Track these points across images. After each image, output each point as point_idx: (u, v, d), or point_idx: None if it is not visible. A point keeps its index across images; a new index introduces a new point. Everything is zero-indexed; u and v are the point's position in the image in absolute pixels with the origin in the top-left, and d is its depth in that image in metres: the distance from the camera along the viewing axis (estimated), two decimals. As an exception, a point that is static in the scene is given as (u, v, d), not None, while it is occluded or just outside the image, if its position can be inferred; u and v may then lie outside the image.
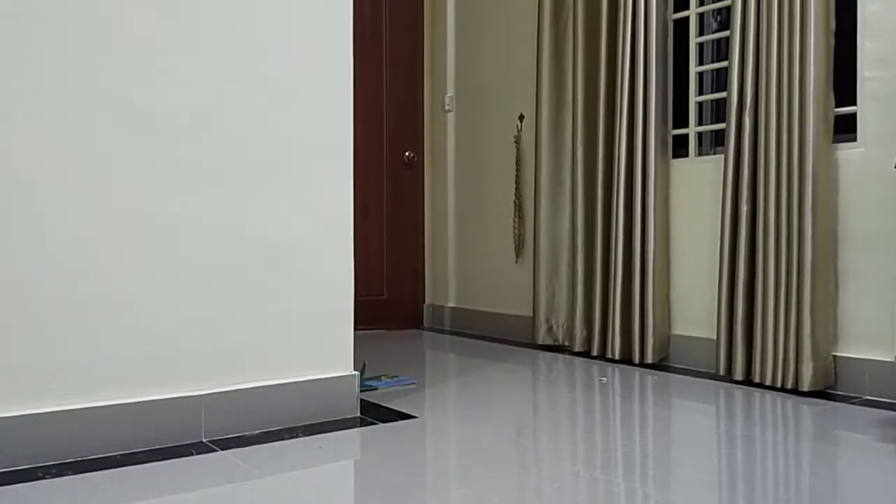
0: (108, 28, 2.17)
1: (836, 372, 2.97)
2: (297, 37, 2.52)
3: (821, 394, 2.93)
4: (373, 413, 2.65)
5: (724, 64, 3.34)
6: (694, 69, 3.56)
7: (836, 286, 2.99)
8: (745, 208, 3.13)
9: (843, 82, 2.98)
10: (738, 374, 3.13)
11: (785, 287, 2.99)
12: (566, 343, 4.00)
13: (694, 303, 3.50)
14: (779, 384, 2.99)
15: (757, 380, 3.06)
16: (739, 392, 3.03)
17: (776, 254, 3.02)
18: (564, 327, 4.02)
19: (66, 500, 1.85)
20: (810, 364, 2.90)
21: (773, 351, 3.01)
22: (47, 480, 1.94)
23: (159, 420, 2.22)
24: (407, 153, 4.97)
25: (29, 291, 2.06)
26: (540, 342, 4.06)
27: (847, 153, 2.97)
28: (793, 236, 2.96)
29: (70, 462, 2.06)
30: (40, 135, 2.08)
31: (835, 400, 2.86)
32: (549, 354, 3.95)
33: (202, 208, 2.33)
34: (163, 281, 2.26)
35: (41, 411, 2.06)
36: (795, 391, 2.93)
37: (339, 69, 2.61)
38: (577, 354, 3.87)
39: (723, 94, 3.37)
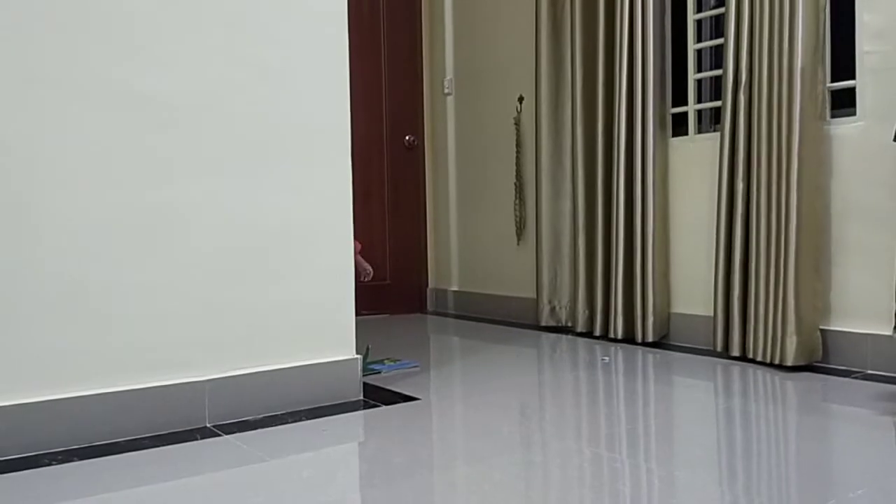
0: (105, 15, 2.17)
1: (827, 346, 2.98)
2: (293, 21, 2.52)
3: (814, 368, 2.94)
4: (376, 396, 2.66)
5: (721, 41, 3.32)
6: (692, 46, 3.55)
7: (830, 260, 2.99)
8: (740, 186, 3.13)
9: (842, 56, 2.97)
10: (735, 350, 3.14)
11: (774, 262, 2.99)
12: (569, 324, 4.01)
13: (694, 281, 3.50)
14: (768, 359, 3.00)
15: (750, 355, 3.08)
16: (736, 368, 3.04)
17: (766, 230, 3.03)
18: (567, 308, 4.03)
19: (73, 485, 1.87)
20: (794, 338, 2.91)
21: (763, 326, 3.02)
22: (54, 467, 1.96)
23: (163, 406, 2.24)
24: (407, 137, 4.97)
25: (31, 279, 2.07)
26: (543, 324, 4.07)
27: (847, 127, 2.96)
28: (781, 212, 2.96)
29: (76, 448, 2.08)
30: (39, 123, 2.08)
31: (831, 374, 2.87)
32: (553, 335, 3.96)
33: (201, 195, 2.34)
34: (164, 267, 2.27)
35: (46, 399, 2.07)
36: (781, 365, 2.94)
37: (334, 53, 2.60)
38: (580, 335, 3.88)
39: (720, 72, 3.35)
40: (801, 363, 2.92)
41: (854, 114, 2.94)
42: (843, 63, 2.97)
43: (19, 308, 2.06)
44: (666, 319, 3.58)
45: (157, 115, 2.26)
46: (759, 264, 3.05)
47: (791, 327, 2.92)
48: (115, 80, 2.20)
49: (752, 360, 3.08)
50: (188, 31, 2.32)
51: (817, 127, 2.95)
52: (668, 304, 3.60)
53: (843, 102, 3.00)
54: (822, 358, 2.99)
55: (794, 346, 2.91)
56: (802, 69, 2.90)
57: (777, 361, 2.96)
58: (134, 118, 2.22)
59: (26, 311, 2.07)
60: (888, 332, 2.83)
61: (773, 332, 2.98)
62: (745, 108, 3.12)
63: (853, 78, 2.94)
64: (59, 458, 2.02)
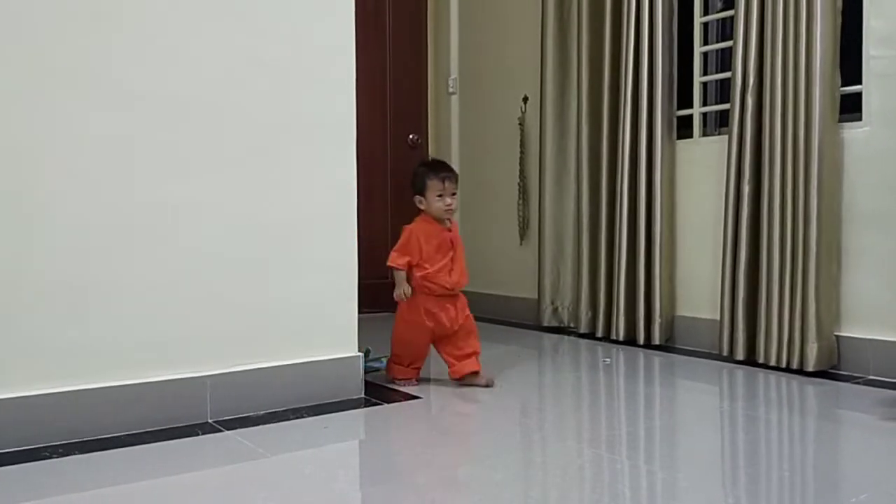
0: (108, 10, 2.17)
1: (839, 352, 2.97)
2: (299, 18, 2.51)
3: (824, 373, 2.93)
4: (377, 394, 2.66)
5: (729, 44, 3.32)
6: (699, 49, 3.54)
7: (840, 266, 2.98)
8: (746, 188, 3.12)
9: (849, 61, 2.96)
10: (740, 354, 3.13)
11: (790, 267, 2.98)
12: (571, 325, 4.00)
13: (698, 284, 3.49)
14: (783, 364, 2.98)
15: (761, 360, 3.06)
16: (742, 372, 3.03)
17: (781, 234, 3.01)
18: (569, 309, 4.02)
19: (73, 479, 1.86)
20: (815, 344, 2.90)
21: (777, 331, 3.01)
22: (54, 460, 1.96)
23: (165, 401, 2.24)
24: (411, 136, 4.96)
25: (34, 275, 2.07)
26: (545, 324, 4.07)
27: (853, 132, 2.95)
28: (798, 216, 2.95)
29: (77, 442, 2.08)
30: (42, 121, 2.08)
31: (839, 380, 2.86)
32: (555, 336, 3.96)
33: (205, 191, 2.33)
34: (167, 263, 2.27)
35: (48, 392, 2.07)
36: (800, 371, 2.92)
37: (340, 51, 2.60)
38: (583, 336, 3.87)
39: (727, 74, 3.34)
40: (820, 369, 2.91)
41: (860, 119, 2.94)
42: (850, 68, 2.97)
43: (21, 303, 2.05)
44: (670, 322, 3.57)
45: (160, 111, 2.26)
46: (771, 268, 3.02)
47: (811, 333, 2.90)
48: (118, 77, 2.19)
49: (763, 365, 3.05)
50: (192, 27, 2.31)
51: (834, 131, 2.95)
52: (673, 307, 3.59)
53: (849, 107, 3.00)
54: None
55: (815, 352, 2.90)
56: (822, 73, 2.89)
57: (795, 366, 2.94)
58: (136, 115, 2.22)
59: (28, 306, 2.06)
60: (893, 337, 2.82)
61: (790, 337, 2.97)
62: (753, 111, 3.11)
63: (859, 83, 2.94)
64: (60, 451, 2.02)
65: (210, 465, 2.00)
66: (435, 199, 2.71)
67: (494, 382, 2.77)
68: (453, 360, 2.77)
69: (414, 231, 2.73)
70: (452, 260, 2.76)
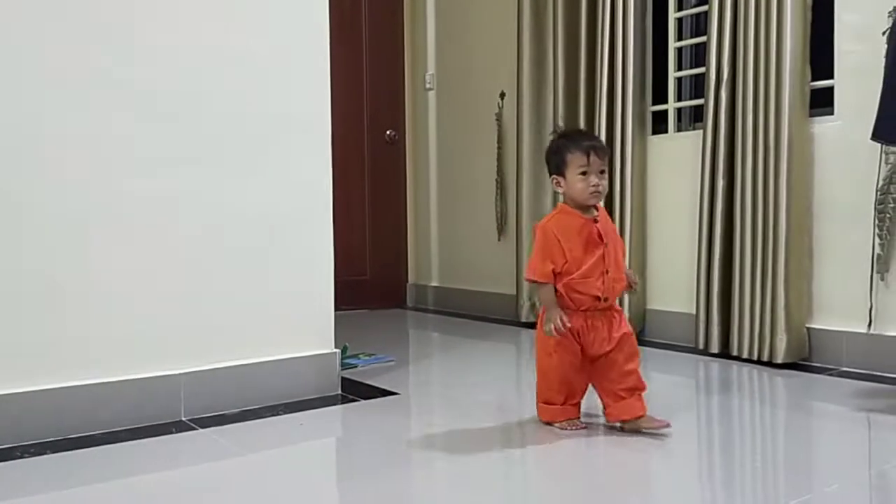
0: (86, 4, 2.15)
1: (810, 344, 3.00)
2: (273, 13, 2.49)
3: (797, 365, 2.95)
4: (354, 390, 2.65)
5: (703, 39, 3.34)
6: (673, 44, 3.56)
7: (811, 259, 3.01)
8: (721, 183, 3.15)
9: (821, 56, 2.99)
10: (715, 347, 3.16)
11: (761, 260, 3.01)
12: (548, 320, 4.01)
13: (674, 278, 3.51)
14: (755, 356, 3.01)
15: (734, 353, 3.09)
16: (716, 365, 3.06)
17: (752, 228, 3.04)
18: (546, 304, 4.03)
19: (46, 479, 1.84)
20: (784, 336, 2.93)
21: (749, 323, 3.04)
22: (26, 459, 1.94)
23: (139, 399, 2.22)
24: (388, 132, 4.95)
25: (7, 271, 2.04)
26: (523, 320, 4.07)
27: (824, 127, 2.98)
28: (768, 210, 2.98)
29: (50, 441, 2.06)
30: (18, 114, 2.05)
31: (812, 371, 2.89)
32: (532, 331, 3.94)
33: (180, 186, 2.31)
34: (141, 259, 2.25)
35: (20, 391, 2.05)
36: (770, 363, 2.95)
37: (314, 45, 2.59)
38: (559, 331, 3.88)
39: (701, 70, 3.37)
40: (790, 361, 2.94)
41: (832, 113, 2.97)
42: (821, 62, 2.99)
43: (-8, 299, 2.03)
44: (642, 316, 3.59)
45: (138, 105, 2.24)
46: (744, 261, 3.05)
47: (780, 325, 2.93)
48: (93, 69, 2.16)
49: (736, 358, 3.08)
50: (169, 23, 2.29)
51: (805, 125, 2.97)
52: (645, 301, 3.61)
53: (820, 102, 3.02)
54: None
55: (783, 344, 2.93)
56: (791, 68, 2.92)
57: (766, 359, 2.97)
58: (109, 110, 2.19)
59: (0, 302, 2.04)
60: (863, 329, 2.86)
61: (760, 329, 3.00)
62: (727, 106, 3.14)
63: (831, 77, 2.96)
64: (32, 450, 1.99)
65: (184, 463, 1.98)
66: (577, 179, 2.05)
67: (670, 424, 2.12)
68: (609, 400, 2.12)
69: (548, 229, 2.09)
70: (605, 259, 2.08)
